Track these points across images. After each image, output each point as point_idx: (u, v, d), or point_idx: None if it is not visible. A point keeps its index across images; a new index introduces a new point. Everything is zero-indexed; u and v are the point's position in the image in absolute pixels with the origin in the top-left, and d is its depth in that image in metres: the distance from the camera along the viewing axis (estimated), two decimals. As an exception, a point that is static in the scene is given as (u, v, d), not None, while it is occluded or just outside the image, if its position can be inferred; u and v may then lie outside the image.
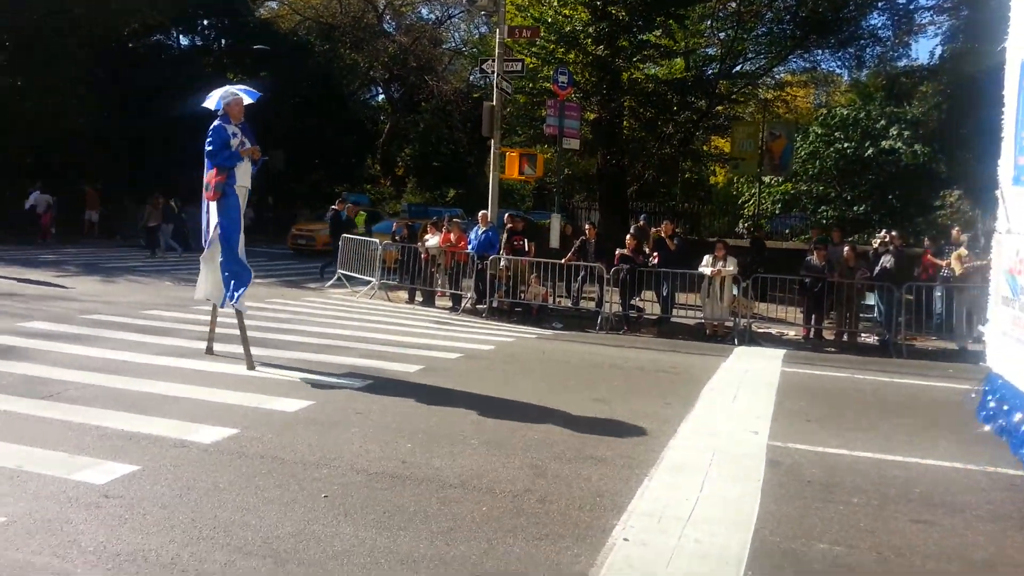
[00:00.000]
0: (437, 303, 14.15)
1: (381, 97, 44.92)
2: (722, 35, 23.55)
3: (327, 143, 33.20)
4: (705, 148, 24.78)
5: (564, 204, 27.65)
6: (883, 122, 25.10)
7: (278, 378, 6.99)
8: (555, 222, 15.12)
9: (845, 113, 26.92)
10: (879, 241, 13.07)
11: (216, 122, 7.21)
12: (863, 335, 12.24)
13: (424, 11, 41.64)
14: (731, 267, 12.15)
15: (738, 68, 24.35)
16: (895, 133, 24.14)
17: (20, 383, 6.26)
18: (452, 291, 13.88)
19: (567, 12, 19.47)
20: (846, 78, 29.65)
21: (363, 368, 7.63)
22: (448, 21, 42.05)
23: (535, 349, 10.00)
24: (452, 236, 14.09)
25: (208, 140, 7.18)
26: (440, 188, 38.11)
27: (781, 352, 10.54)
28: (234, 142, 7.20)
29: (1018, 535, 4.23)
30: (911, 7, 21.24)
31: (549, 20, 19.58)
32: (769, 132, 23.37)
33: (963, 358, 10.80)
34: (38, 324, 8.94)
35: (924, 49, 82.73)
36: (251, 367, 7.22)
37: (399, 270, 14.39)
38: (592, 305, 12.87)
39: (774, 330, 12.46)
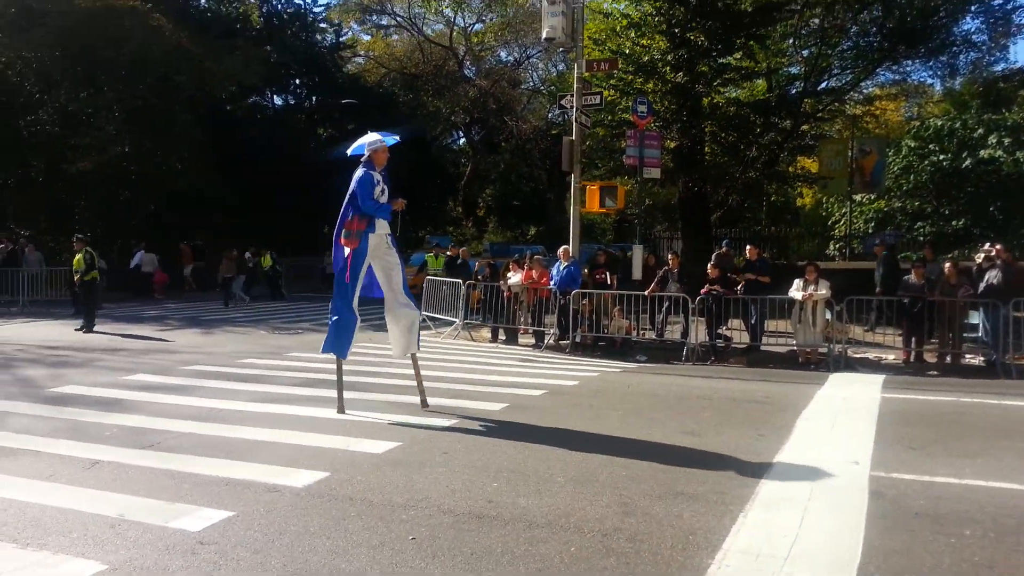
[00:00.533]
0: (520, 340, 14.19)
1: (462, 140, 46.06)
2: (805, 52, 23.03)
3: (411, 188, 34.19)
4: (791, 169, 24.15)
5: (646, 235, 27.45)
6: (981, 131, 23.83)
7: (366, 420, 7.14)
8: (637, 253, 14.99)
9: (939, 124, 25.72)
10: (983, 256, 12.34)
11: (361, 169, 7.21)
12: (968, 356, 11.53)
13: (503, 54, 42.69)
14: (823, 290, 11.71)
15: (823, 85, 23.71)
16: (994, 141, 22.87)
17: (123, 434, 6.59)
18: (535, 328, 13.90)
19: (645, 42, 19.54)
20: (938, 88, 28.54)
21: (448, 408, 7.71)
22: (526, 62, 42.94)
23: (620, 383, 9.86)
24: (534, 273, 14.16)
25: (355, 186, 7.16)
26: (520, 226, 38.54)
27: (880, 377, 10.04)
28: (377, 190, 7.22)
29: None
30: (1008, 7, 20.31)
31: (627, 51, 19.68)
32: (859, 149, 22.61)
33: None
34: (141, 376, 9.44)
35: (1022, 51, 78.70)
36: (341, 411, 7.40)
37: (482, 309, 14.54)
38: (678, 336, 12.63)
39: (872, 355, 11.90)
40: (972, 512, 4.67)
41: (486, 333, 14.76)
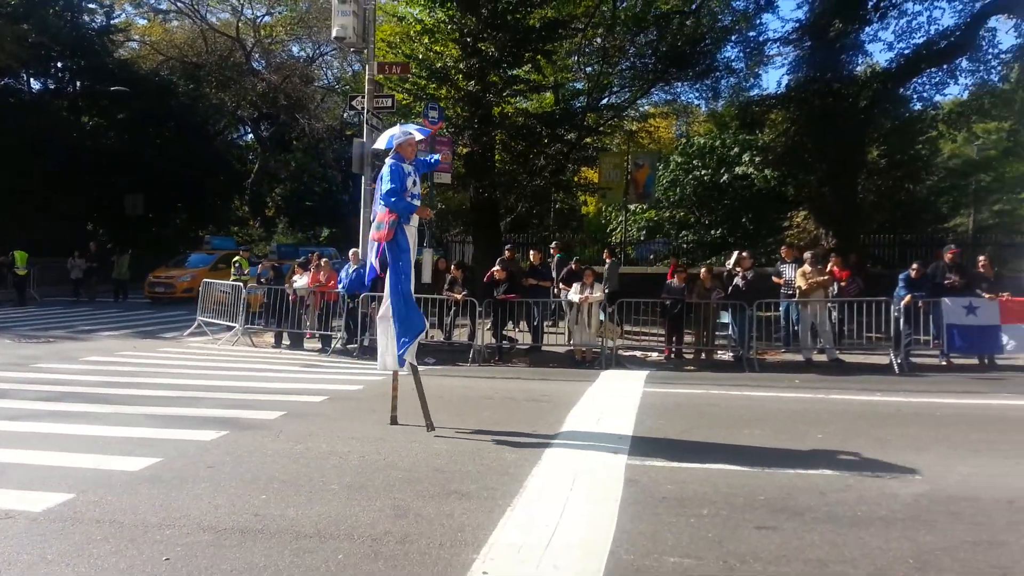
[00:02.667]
0: (306, 345, 13.78)
1: (250, 136, 43.80)
2: (589, 69, 24.50)
3: (191, 185, 31.96)
4: (575, 179, 25.54)
5: (440, 238, 27.76)
6: (736, 149, 26.68)
7: (123, 436, 6.56)
8: (427, 257, 15.08)
9: (702, 142, 28.49)
10: (734, 262, 13.82)
11: (391, 160, 6.89)
12: (720, 352, 12.86)
13: (295, 49, 41.12)
14: (598, 293, 12.51)
15: (605, 101, 25.40)
16: (747, 159, 25.70)
17: None
18: (321, 332, 13.56)
19: (438, 49, 19.70)
20: (704, 108, 31.38)
21: (218, 419, 7.29)
22: (320, 59, 41.68)
23: (406, 386, 9.84)
24: (321, 276, 13.81)
25: (387, 178, 6.81)
26: (313, 228, 37.39)
27: (644, 373, 10.91)
28: (409, 181, 6.90)
29: (850, 533, 4.50)
30: (761, 39, 22.92)
31: (420, 56, 19.76)
32: (633, 162, 24.39)
33: (808, 369, 11.61)
34: None
35: (773, 79, 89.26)
36: (431, 428, 6.94)
37: (264, 313, 13.93)
38: (465, 339, 12.91)
39: (639, 352, 12.90)
40: (710, 494, 5.20)
41: (269, 338, 14.16)
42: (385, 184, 6.82)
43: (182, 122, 32.41)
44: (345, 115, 35.91)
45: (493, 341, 12.72)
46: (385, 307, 7.15)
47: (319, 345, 13.60)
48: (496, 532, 4.46)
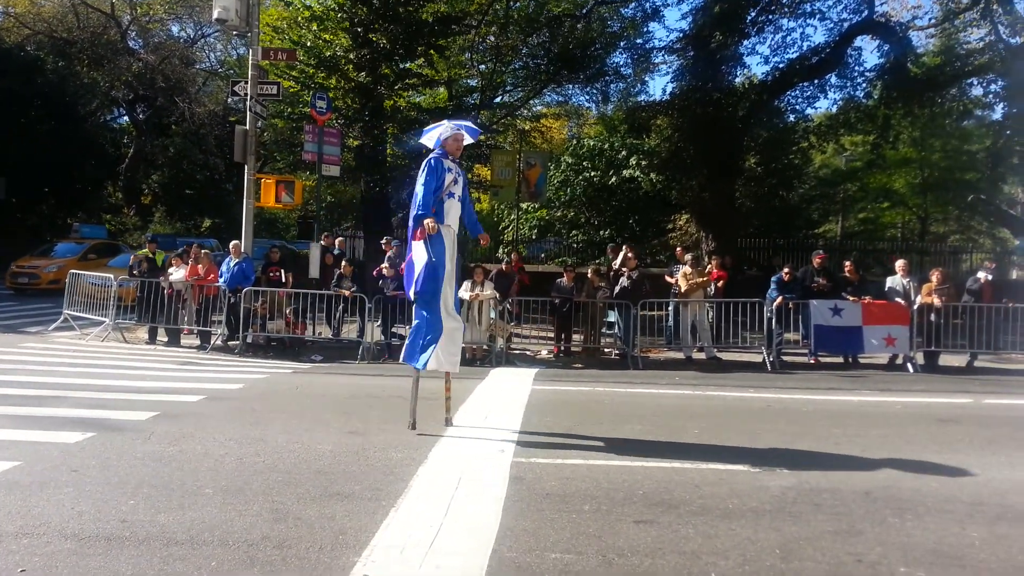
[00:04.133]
0: (183, 342, 13.16)
1: (125, 119, 41.28)
2: (482, 67, 24.55)
3: (59, 169, 29.79)
4: (468, 176, 25.55)
5: (330, 232, 27.13)
6: (624, 152, 27.44)
7: (-26, 439, 6.06)
8: (314, 251, 14.73)
9: (592, 144, 29.12)
10: (619, 262, 14.21)
11: (435, 154, 6.54)
12: (606, 350, 13.21)
13: (175, 28, 39.01)
14: (488, 291, 12.56)
15: (498, 99, 25.56)
16: (635, 163, 26.49)
17: None
18: (200, 328, 12.97)
19: (328, 37, 19.23)
20: (594, 111, 32.12)
21: (84, 420, 6.84)
22: (202, 40, 39.74)
23: (289, 384, 9.61)
24: (201, 268, 13.21)
25: (424, 174, 6.42)
26: (194, 218, 35.67)
27: (533, 371, 11.07)
28: (449, 178, 6.53)
29: (722, 525, 4.70)
30: (648, 47, 23.66)
31: (309, 44, 19.22)
32: (525, 161, 24.64)
33: (688, 366, 12.10)
34: None
35: (659, 86, 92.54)
36: (413, 427, 6.79)
37: (138, 307, 13.19)
38: (354, 335, 12.68)
39: (529, 350, 13.07)
40: (591, 489, 5.31)
41: (142, 334, 13.43)
42: (418, 187, 6.44)
43: (50, 102, 30.10)
44: (229, 100, 34.40)
45: (383, 338, 12.55)
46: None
47: (197, 342, 13.01)
48: (379, 533, 4.39)
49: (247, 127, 15.00)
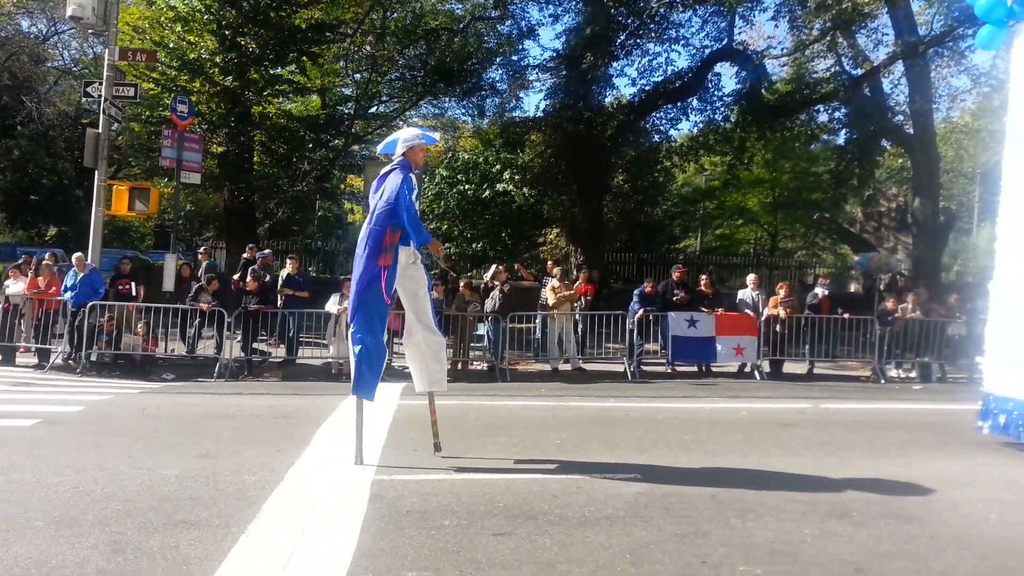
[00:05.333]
0: (18, 360, 12.12)
1: (-39, 118, 37.63)
2: (358, 76, 24.22)
3: None
4: (341, 186, 25.13)
5: (189, 242, 25.89)
6: (498, 167, 27.78)
7: None
8: (169, 263, 13.96)
9: (467, 157, 29.31)
10: (490, 276, 14.36)
11: (400, 172, 6.03)
12: (475, 363, 13.28)
13: (24, 23, 36.00)
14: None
15: (373, 109, 25.26)
16: (508, 177, 26.84)
17: None
18: (39, 345, 11.99)
19: (192, 39, 18.41)
20: (470, 125, 32.37)
21: None
22: (56, 37, 36.91)
23: (135, 406, 9.03)
24: (41, 281, 12.23)
25: (397, 191, 5.90)
26: (38, 225, 33.04)
27: (400, 386, 10.94)
28: (413, 195, 6.11)
29: (577, 533, 4.82)
30: (523, 64, 24.15)
31: (171, 45, 18.32)
32: (400, 173, 24.37)
33: (554, 377, 12.37)
34: None
35: (534, 102, 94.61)
36: (359, 461, 6.21)
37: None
38: (211, 351, 12.11)
39: (397, 363, 12.92)
40: (453, 504, 5.31)
41: (-28, 352, 12.25)
42: (401, 199, 5.91)
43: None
44: (82, 101, 32.13)
45: (242, 354, 12.05)
46: (411, 324, 6.48)
47: (35, 360, 12.01)
48: (227, 562, 4.20)
49: (99, 130, 14.12)
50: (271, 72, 19.83)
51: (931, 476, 6.32)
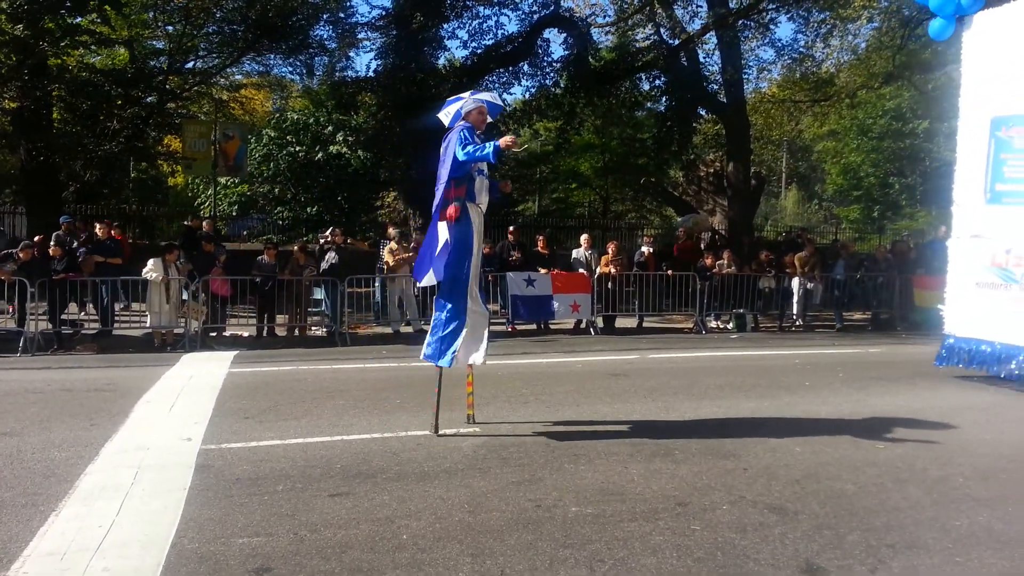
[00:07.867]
0: None
1: None
2: (170, 29, 22.34)
3: None
4: (158, 147, 23.31)
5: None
6: (331, 128, 26.83)
7: None
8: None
9: (296, 118, 28.08)
10: (324, 239, 13.94)
11: (462, 124, 5.86)
12: (313, 328, 12.92)
13: None
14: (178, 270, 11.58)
15: (190, 65, 23.41)
16: (342, 139, 26.00)
17: None
18: None
19: (-27, -17, 16.19)
20: (299, 84, 30.91)
21: None
22: None
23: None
24: None
25: (453, 142, 5.76)
26: None
27: (232, 354, 10.46)
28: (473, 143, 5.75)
29: (417, 487, 4.83)
30: (351, 21, 23.23)
31: (-51, -12, 16.05)
32: (222, 133, 23.03)
33: (396, 340, 12.28)
34: None
35: (365, 62, 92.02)
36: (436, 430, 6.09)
37: None
38: (12, 325, 10.94)
39: (228, 332, 12.32)
40: (287, 469, 5.16)
41: None
42: (463, 147, 5.66)
43: None
44: None
45: (50, 327, 10.99)
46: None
47: None
48: (35, 542, 3.87)
49: None
50: (69, 21, 17.89)
51: (745, 416, 6.92)
